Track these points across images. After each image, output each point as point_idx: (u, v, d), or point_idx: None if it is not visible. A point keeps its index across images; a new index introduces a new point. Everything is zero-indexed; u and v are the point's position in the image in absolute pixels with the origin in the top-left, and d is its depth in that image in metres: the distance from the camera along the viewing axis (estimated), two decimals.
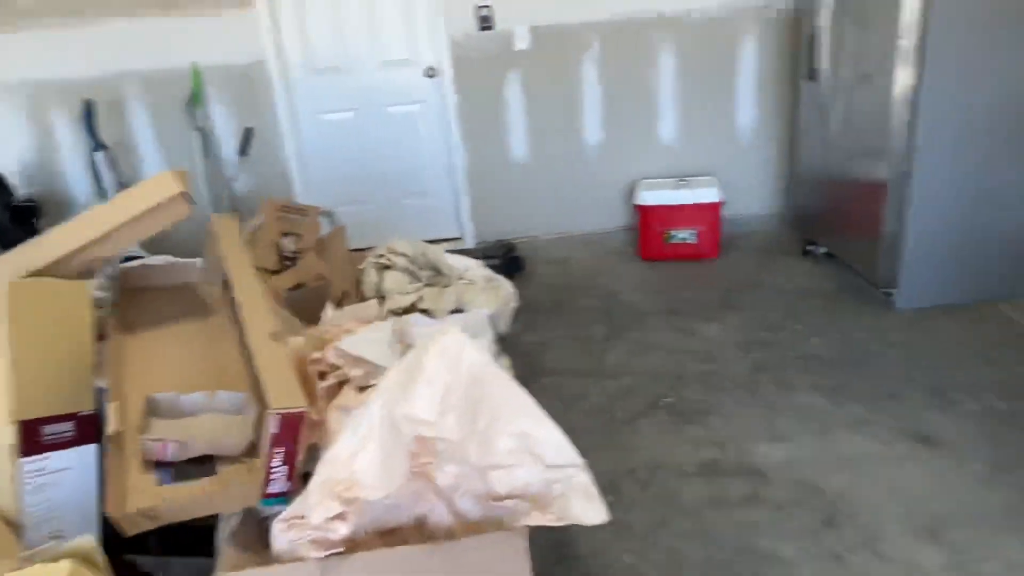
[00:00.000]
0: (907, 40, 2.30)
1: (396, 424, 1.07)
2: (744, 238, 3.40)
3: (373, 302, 1.93)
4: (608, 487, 1.79)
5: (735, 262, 3.16)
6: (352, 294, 2.16)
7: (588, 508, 1.07)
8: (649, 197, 3.23)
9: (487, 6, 3.22)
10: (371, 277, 2.11)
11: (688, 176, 3.38)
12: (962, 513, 1.65)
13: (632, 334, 2.63)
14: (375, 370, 1.35)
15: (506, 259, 3.25)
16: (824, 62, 2.80)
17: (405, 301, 1.97)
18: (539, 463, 1.09)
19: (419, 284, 2.07)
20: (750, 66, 3.32)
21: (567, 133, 3.43)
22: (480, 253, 3.32)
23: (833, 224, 2.91)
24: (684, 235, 3.21)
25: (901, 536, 1.60)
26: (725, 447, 1.95)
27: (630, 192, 3.45)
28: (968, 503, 1.67)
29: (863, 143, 2.58)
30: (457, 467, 1.09)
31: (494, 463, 1.08)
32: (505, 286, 2.17)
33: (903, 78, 2.33)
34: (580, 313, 2.84)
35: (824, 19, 2.76)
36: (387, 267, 2.11)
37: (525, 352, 2.55)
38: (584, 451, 1.12)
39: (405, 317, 1.83)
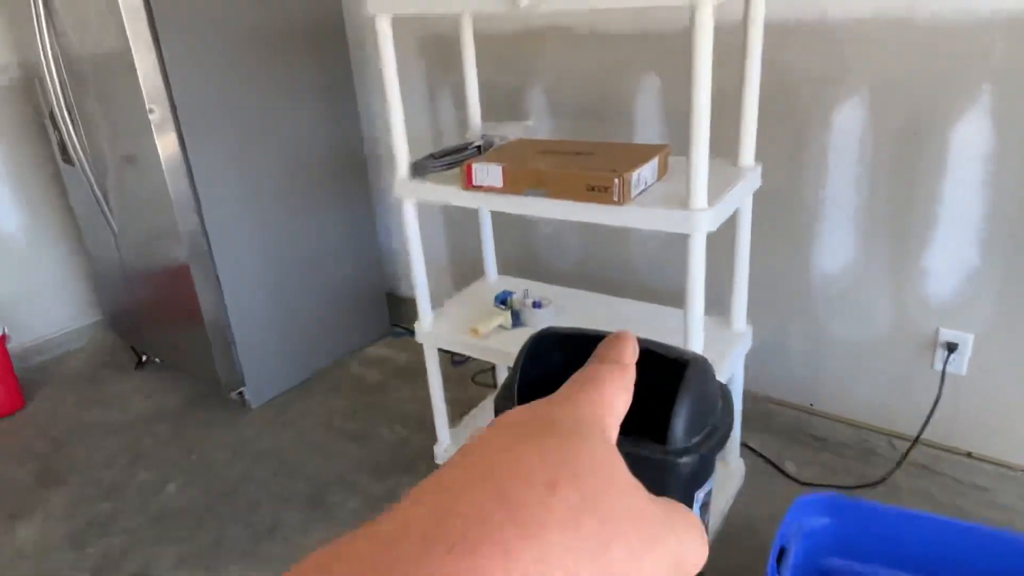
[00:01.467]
0: (159, 112, 1.94)
1: None
2: (57, 368, 2.63)
3: None
4: None
5: (50, 406, 2.39)
6: None
7: None
8: None
9: None
10: None
11: None
12: None
13: None
14: None
15: None
16: (77, 142, 2.25)
17: None
18: None
19: None
20: None
21: None
22: None
23: (156, 327, 2.44)
24: None
25: None
26: None
27: None
28: None
29: (152, 228, 2.16)
30: None
31: None
32: None
33: (168, 152, 1.97)
34: None
35: (58, 91, 2.20)
36: None
37: None
38: None
39: None
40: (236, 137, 2.08)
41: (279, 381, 2.32)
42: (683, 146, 1.37)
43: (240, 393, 2.24)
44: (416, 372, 2.39)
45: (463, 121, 2.06)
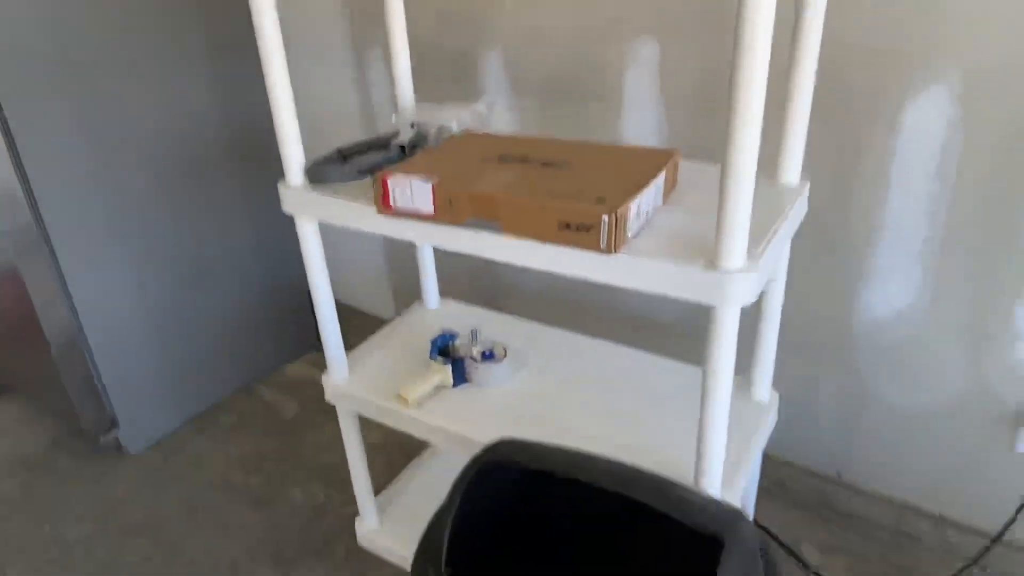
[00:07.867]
0: None
1: None
2: None
3: None
4: None
5: None
6: None
7: None
8: None
9: None
10: None
11: None
12: None
13: None
14: None
15: None
16: None
17: None
18: None
19: None
20: None
21: None
22: None
23: None
24: None
25: None
26: None
27: None
28: None
29: None
30: None
31: None
32: None
33: None
34: None
35: None
36: None
37: None
38: None
39: None
40: (91, 105, 1.55)
41: (166, 418, 1.85)
42: (687, 141, 0.92)
43: (116, 439, 1.77)
44: None
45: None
